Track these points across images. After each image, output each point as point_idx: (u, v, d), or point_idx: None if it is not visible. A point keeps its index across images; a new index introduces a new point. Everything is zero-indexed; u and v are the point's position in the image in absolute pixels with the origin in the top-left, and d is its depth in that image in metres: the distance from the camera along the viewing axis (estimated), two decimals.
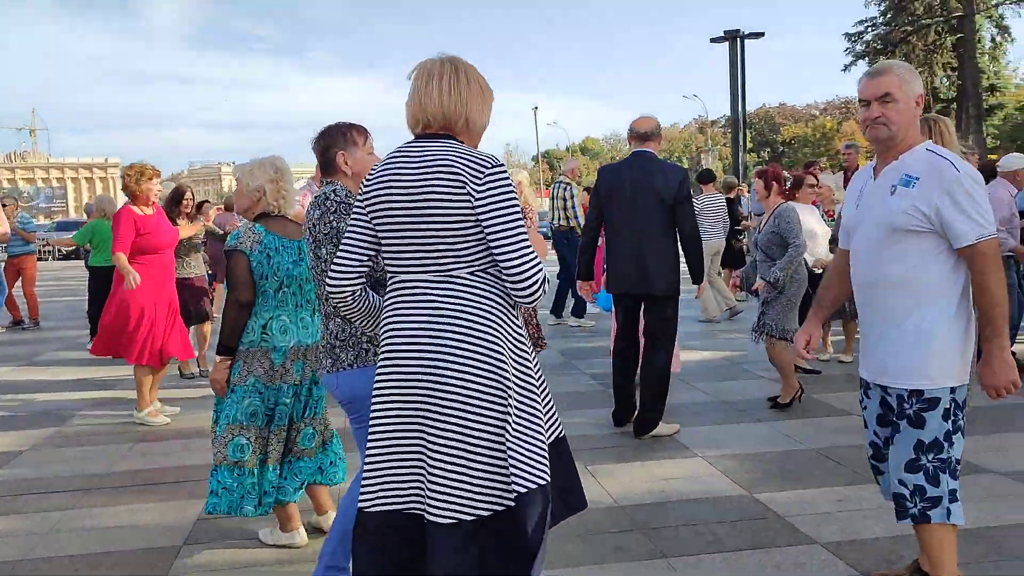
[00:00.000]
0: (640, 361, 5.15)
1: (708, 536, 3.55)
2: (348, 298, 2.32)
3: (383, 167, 2.24)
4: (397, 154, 2.25)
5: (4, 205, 10.49)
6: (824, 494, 4.00)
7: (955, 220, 2.55)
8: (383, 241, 2.25)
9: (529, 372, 2.24)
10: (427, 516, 2.13)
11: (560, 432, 2.44)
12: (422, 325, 2.16)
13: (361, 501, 2.22)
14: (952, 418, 2.65)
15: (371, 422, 2.22)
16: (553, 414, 2.41)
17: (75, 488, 4.42)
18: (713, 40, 25.64)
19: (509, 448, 2.13)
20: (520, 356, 2.23)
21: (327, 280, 2.32)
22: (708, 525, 3.67)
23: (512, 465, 2.12)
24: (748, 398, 6.04)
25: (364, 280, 2.33)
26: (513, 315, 2.24)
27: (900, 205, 2.63)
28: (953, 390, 2.64)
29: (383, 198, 2.21)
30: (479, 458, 2.13)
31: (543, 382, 2.34)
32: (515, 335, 2.23)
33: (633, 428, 5.11)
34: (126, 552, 3.58)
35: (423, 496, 2.15)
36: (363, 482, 2.23)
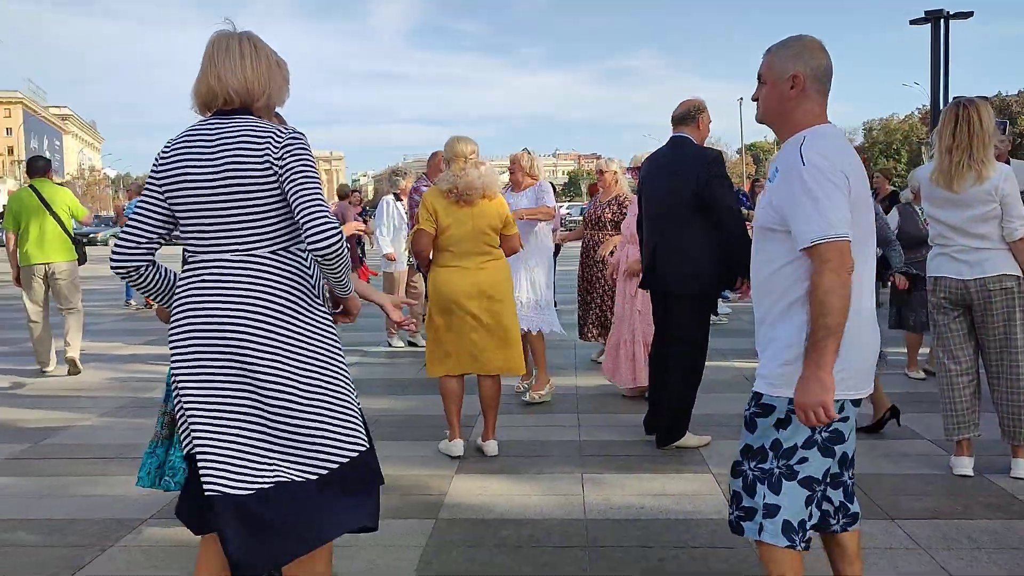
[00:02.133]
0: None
1: (654, 558, 3.31)
2: (132, 273, 2.32)
3: (177, 143, 2.25)
4: (192, 132, 2.25)
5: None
6: None
7: (793, 219, 2.23)
8: (181, 220, 2.26)
9: (332, 350, 2.28)
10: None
11: None
12: (222, 305, 2.17)
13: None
14: (788, 430, 2.34)
15: (181, 404, 2.24)
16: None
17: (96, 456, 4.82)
18: (913, 22, 23.63)
19: (321, 421, 2.22)
20: (323, 335, 2.25)
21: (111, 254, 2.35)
22: (659, 549, 3.42)
23: (328, 436, 2.23)
24: None
25: (150, 255, 2.32)
26: (314, 295, 2.25)
27: (762, 201, 2.35)
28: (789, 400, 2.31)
29: (179, 176, 2.21)
30: (300, 428, 2.20)
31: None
32: (317, 315, 2.25)
33: (655, 437, 4.85)
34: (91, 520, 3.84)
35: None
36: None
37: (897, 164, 61.33)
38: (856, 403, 2.43)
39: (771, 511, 2.38)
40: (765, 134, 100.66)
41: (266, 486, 2.18)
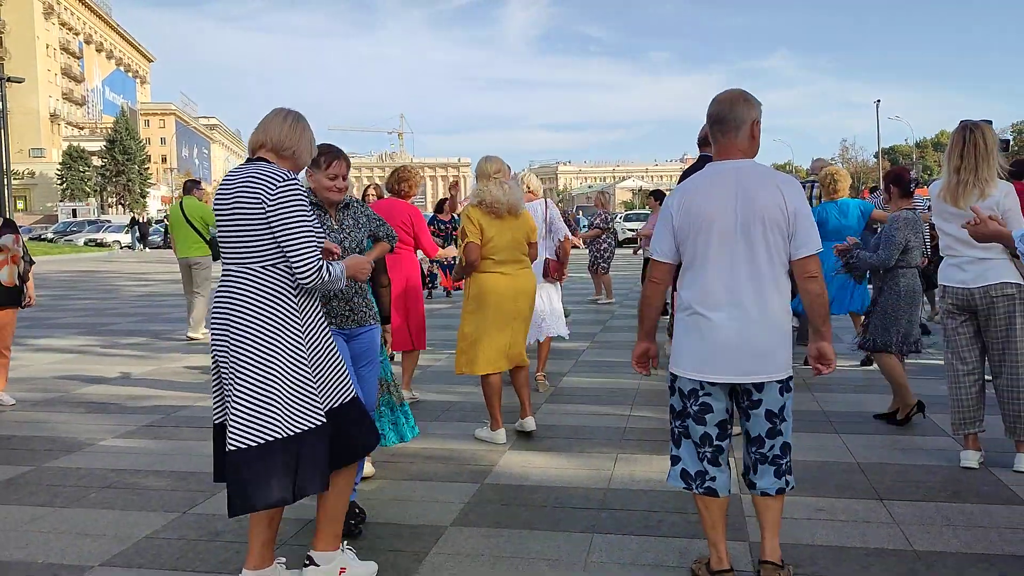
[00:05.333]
0: None
1: (654, 520, 3.89)
2: None
3: (220, 185, 3.08)
4: (230, 172, 3.07)
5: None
6: (808, 503, 4.09)
7: None
8: (219, 238, 3.07)
9: (300, 348, 2.94)
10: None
11: (336, 403, 3.06)
12: (224, 299, 2.98)
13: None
14: (673, 399, 3.18)
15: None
16: (334, 384, 3.07)
17: None
18: None
19: (277, 394, 2.87)
20: (293, 334, 2.93)
21: None
22: (662, 513, 4.00)
23: (278, 410, 2.87)
24: (838, 410, 5.94)
25: None
26: (291, 300, 2.95)
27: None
28: (673, 377, 3.16)
29: (215, 209, 3.04)
30: (245, 400, 2.88)
31: (323, 357, 3.03)
32: (291, 316, 2.94)
33: None
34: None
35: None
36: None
37: None
38: (712, 384, 3.05)
39: (674, 461, 3.21)
40: (905, 137, 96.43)
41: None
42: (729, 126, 3.07)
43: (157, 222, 51.19)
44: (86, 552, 3.63)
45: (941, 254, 4.72)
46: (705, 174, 3.13)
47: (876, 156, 77.44)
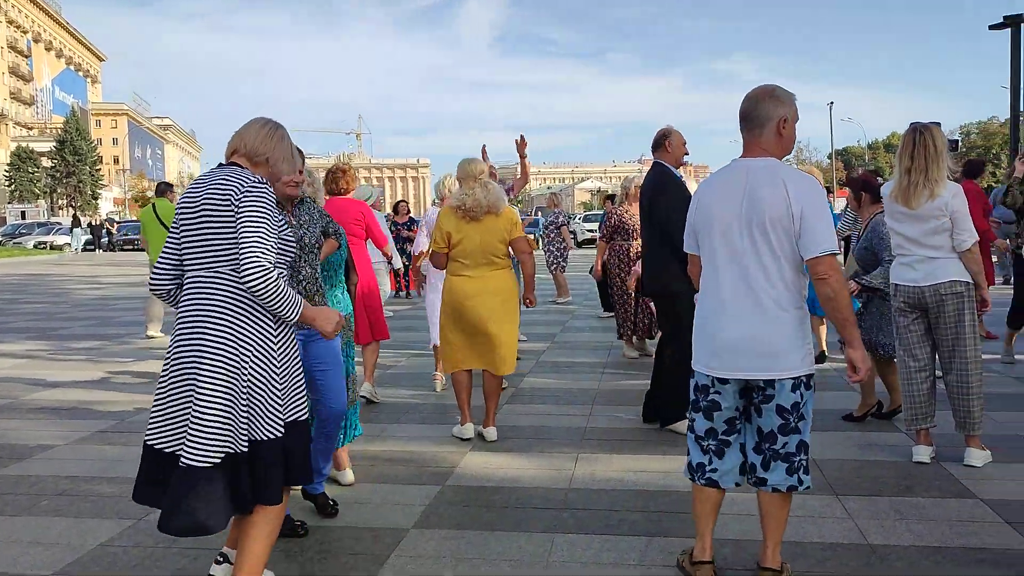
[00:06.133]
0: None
1: (615, 520, 3.91)
2: (164, 296, 3.03)
3: (188, 188, 2.97)
4: (198, 177, 2.99)
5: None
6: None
7: None
8: (181, 241, 2.91)
9: (269, 355, 2.83)
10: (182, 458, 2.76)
11: (301, 416, 2.96)
12: (192, 306, 2.83)
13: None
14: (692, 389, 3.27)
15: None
16: (297, 398, 2.96)
17: None
18: (992, 27, 23.20)
19: (242, 406, 2.77)
20: (262, 341, 2.81)
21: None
22: (623, 512, 4.02)
23: (247, 420, 2.78)
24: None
25: (177, 277, 2.98)
26: (260, 309, 2.82)
27: None
28: (692, 371, 3.24)
29: (178, 208, 2.93)
30: (215, 410, 2.74)
31: (290, 368, 2.94)
32: (263, 324, 2.83)
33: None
34: None
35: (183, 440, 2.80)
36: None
37: (996, 169, 59.31)
38: (723, 381, 3.09)
39: (688, 452, 3.30)
40: (858, 139, 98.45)
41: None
42: (753, 123, 3.08)
43: (118, 223, 50.22)
44: (39, 561, 3.55)
45: (893, 253, 4.82)
46: (722, 171, 3.19)
47: (829, 157, 78.71)
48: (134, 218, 67.12)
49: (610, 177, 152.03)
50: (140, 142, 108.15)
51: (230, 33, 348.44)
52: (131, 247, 43.91)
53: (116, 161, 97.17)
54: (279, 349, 2.89)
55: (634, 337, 8.43)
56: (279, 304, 2.78)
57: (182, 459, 2.75)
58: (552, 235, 14.35)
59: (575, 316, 12.09)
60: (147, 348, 9.66)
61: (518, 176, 7.24)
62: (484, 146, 6.99)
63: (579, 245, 33.91)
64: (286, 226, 3.02)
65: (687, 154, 5.57)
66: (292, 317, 2.84)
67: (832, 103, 59.16)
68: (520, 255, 5.33)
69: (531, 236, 7.03)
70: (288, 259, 2.98)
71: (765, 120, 3.05)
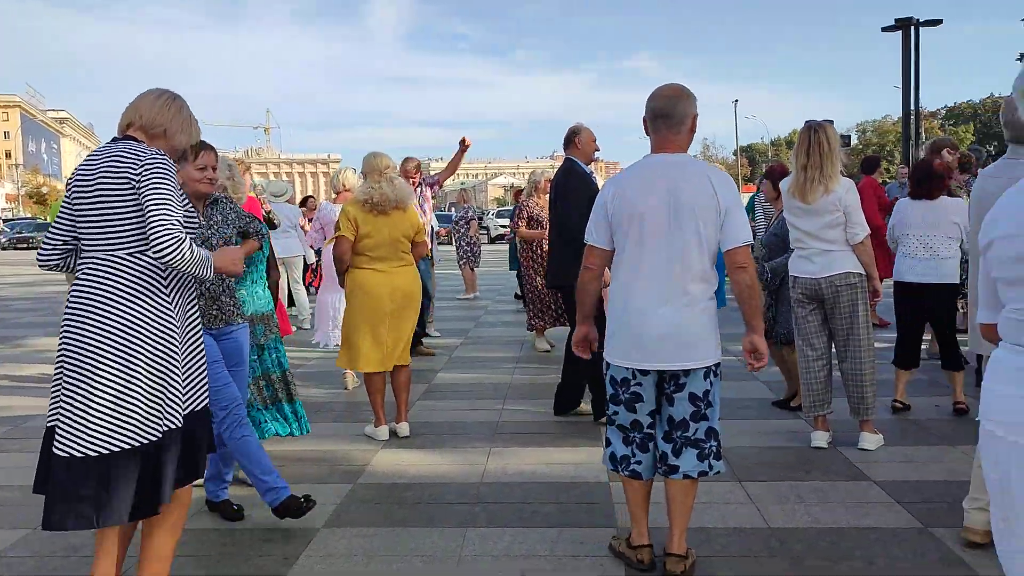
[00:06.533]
0: None
1: (528, 512, 3.96)
2: (54, 269, 2.86)
3: (83, 159, 2.81)
4: (93, 152, 2.81)
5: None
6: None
7: None
8: (77, 222, 2.75)
9: (169, 343, 2.70)
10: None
11: (199, 405, 2.89)
12: (84, 289, 2.68)
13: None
14: (608, 383, 3.31)
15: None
16: (197, 387, 2.88)
17: None
18: (884, 29, 24.25)
19: (132, 399, 2.63)
20: (162, 329, 2.69)
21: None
22: (536, 504, 4.07)
23: (131, 415, 2.63)
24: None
25: (67, 253, 2.82)
26: (162, 293, 2.70)
27: None
28: (607, 364, 3.28)
29: (71, 186, 2.76)
30: (99, 404, 2.61)
31: (192, 357, 2.86)
32: (161, 310, 2.69)
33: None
34: None
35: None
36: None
37: (890, 165, 62.06)
38: (643, 373, 3.15)
39: (607, 443, 3.37)
40: (762, 136, 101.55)
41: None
42: (673, 121, 3.16)
43: (6, 221, 47.77)
44: None
45: (792, 247, 5.00)
46: (640, 166, 3.23)
47: (735, 154, 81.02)
48: (29, 215, 63.91)
49: (523, 173, 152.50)
50: (34, 136, 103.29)
51: (130, 25, 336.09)
52: (25, 246, 41.97)
53: (8, 156, 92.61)
54: (181, 334, 2.80)
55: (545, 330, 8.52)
56: (193, 268, 2.68)
57: (56, 449, 2.63)
58: (462, 230, 14.30)
59: (488, 311, 12.13)
60: (45, 350, 9.25)
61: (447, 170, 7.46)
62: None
63: (492, 240, 34.01)
64: (193, 213, 2.93)
65: (597, 150, 5.67)
66: (208, 274, 2.76)
67: (737, 101, 60.82)
68: (414, 250, 5.36)
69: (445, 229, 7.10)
70: (193, 233, 2.88)
71: (683, 118, 3.16)
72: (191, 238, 2.74)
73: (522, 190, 8.82)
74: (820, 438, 4.88)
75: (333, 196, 7.54)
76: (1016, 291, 1.84)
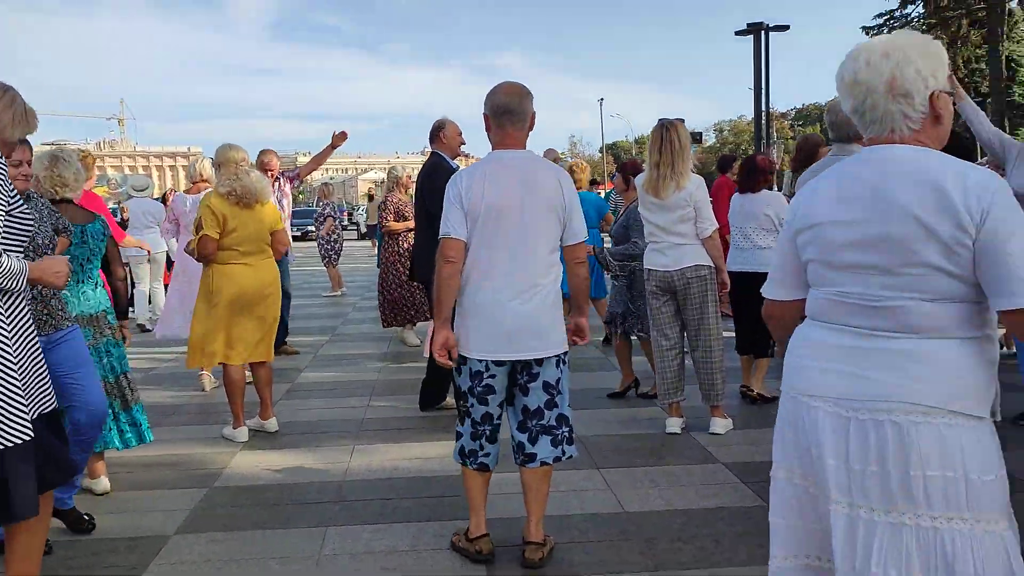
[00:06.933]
0: None
1: (389, 508, 3.94)
2: None
3: None
4: None
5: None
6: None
7: None
8: None
9: (7, 353, 2.59)
10: None
11: (47, 408, 2.78)
12: None
13: None
14: (459, 380, 3.32)
15: None
16: (41, 392, 2.76)
17: None
18: (738, 33, 25.41)
19: None
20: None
21: None
22: (398, 500, 4.06)
23: None
24: (576, 387, 6.35)
25: None
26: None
27: None
28: (462, 359, 3.27)
29: None
30: None
31: (29, 364, 2.72)
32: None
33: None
34: None
35: None
36: None
37: None
38: (498, 364, 3.20)
39: (457, 438, 3.38)
40: (626, 134, 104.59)
41: None
42: (518, 118, 3.22)
43: None
44: None
45: (646, 240, 5.17)
46: (493, 161, 3.25)
47: (601, 151, 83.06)
48: None
49: (394, 168, 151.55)
50: None
51: None
52: None
53: None
54: (13, 339, 2.64)
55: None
56: (3, 281, 2.56)
57: None
58: (321, 227, 13.81)
59: (356, 308, 11.97)
60: None
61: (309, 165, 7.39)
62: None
63: (362, 236, 33.57)
64: (22, 203, 2.75)
65: (463, 144, 5.68)
66: (20, 286, 2.63)
67: (602, 99, 62.61)
68: (276, 245, 5.24)
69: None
70: (19, 239, 2.71)
71: (526, 115, 3.24)
72: (3, 248, 2.60)
73: (374, 194, 8.74)
74: (674, 424, 5.09)
75: (188, 186, 7.24)
76: (843, 275, 1.92)
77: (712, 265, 4.97)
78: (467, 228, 3.17)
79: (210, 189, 5.24)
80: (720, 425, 5.03)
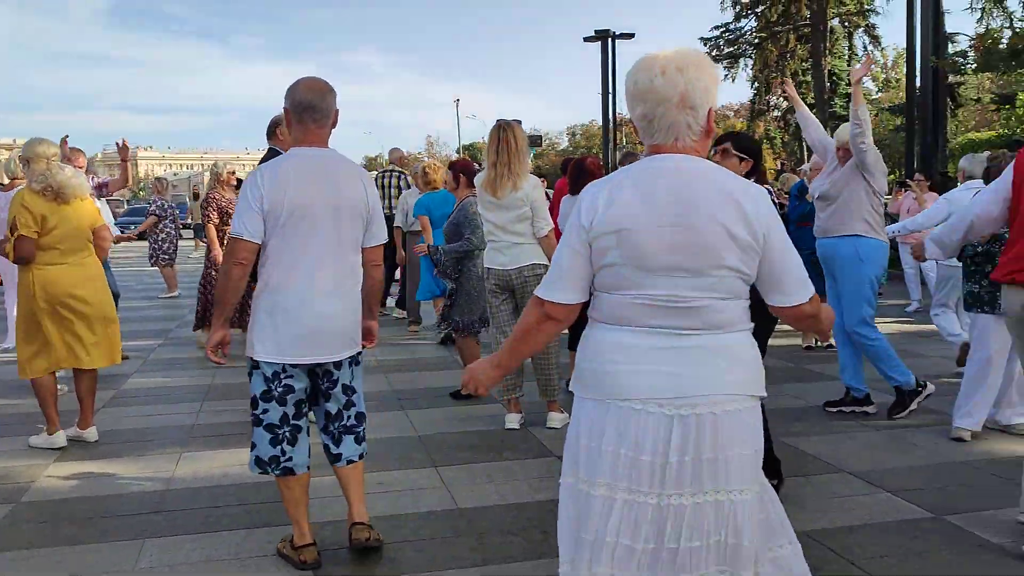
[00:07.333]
0: None
1: (214, 516, 3.78)
2: None
3: None
4: None
5: None
6: (371, 478, 4.25)
7: None
8: None
9: None
10: None
11: None
12: None
13: None
14: (251, 384, 3.22)
15: None
16: None
17: None
18: (586, 39, 26.11)
19: None
20: None
21: None
22: (224, 508, 3.91)
23: None
24: (407, 388, 6.37)
25: None
26: None
27: None
28: (254, 363, 3.19)
29: None
30: None
31: None
32: None
33: None
34: None
35: None
36: None
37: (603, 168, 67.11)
38: (295, 365, 3.14)
39: (252, 447, 3.26)
40: (482, 136, 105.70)
41: None
42: (321, 115, 3.14)
43: None
44: None
45: (486, 239, 5.21)
46: (295, 159, 3.15)
47: (458, 151, 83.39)
48: None
49: (244, 164, 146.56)
50: None
51: None
52: None
53: None
54: None
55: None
56: None
57: None
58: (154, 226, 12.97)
59: (192, 310, 11.44)
60: None
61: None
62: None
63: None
64: None
65: None
66: None
67: (458, 100, 62.54)
68: (100, 242, 4.94)
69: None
70: None
71: (328, 112, 3.18)
72: None
73: (198, 192, 8.35)
74: (513, 420, 5.15)
75: (7, 183, 6.70)
76: (653, 278, 1.97)
77: (548, 264, 5.05)
78: (264, 228, 3.06)
79: (21, 187, 4.85)
80: (557, 420, 5.14)
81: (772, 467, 3.79)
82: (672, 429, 1.95)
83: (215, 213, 7.63)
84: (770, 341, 3.95)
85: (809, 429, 5.10)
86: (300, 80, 3.18)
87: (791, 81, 5.90)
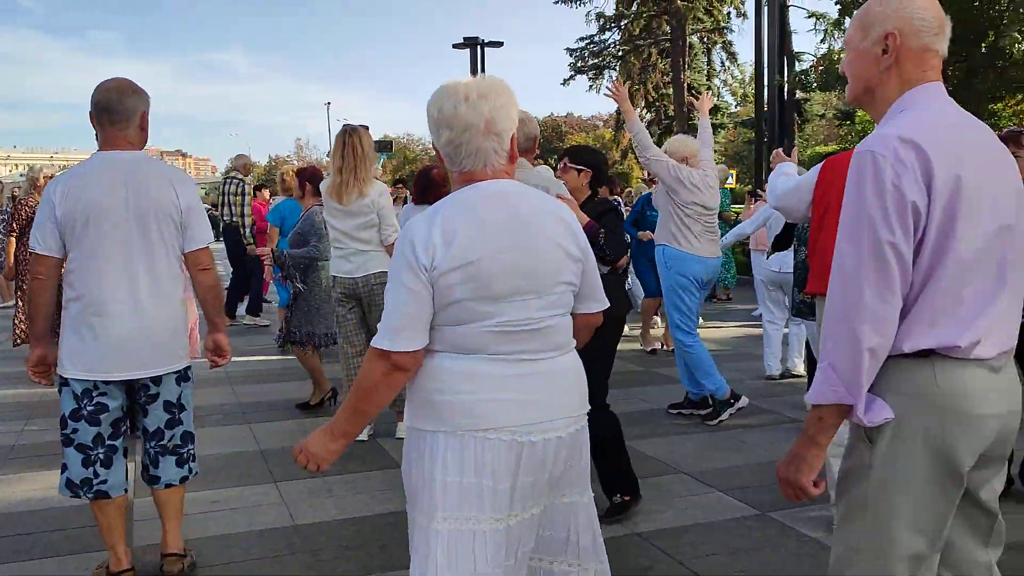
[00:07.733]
0: None
1: (27, 543, 3.53)
2: None
3: None
4: None
5: None
6: (206, 497, 4.08)
7: None
8: None
9: None
10: None
11: None
12: None
13: None
14: (63, 401, 3.03)
15: None
16: None
17: None
18: (455, 46, 26.14)
19: None
20: None
21: None
22: (36, 535, 3.65)
23: None
24: (254, 400, 6.16)
25: None
26: None
27: None
28: (63, 380, 3.00)
29: None
30: None
31: None
32: None
33: None
34: None
35: None
36: None
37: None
38: (108, 383, 2.97)
39: (63, 469, 3.05)
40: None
41: None
42: (119, 117, 2.98)
43: None
44: None
45: (333, 247, 5.10)
46: (94, 164, 2.99)
47: (328, 155, 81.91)
48: None
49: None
50: None
51: None
52: None
53: None
54: None
55: None
56: None
57: None
58: None
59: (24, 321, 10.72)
60: None
61: None
62: None
63: None
64: None
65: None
66: None
67: (329, 103, 61.54)
68: None
69: None
70: None
71: (132, 114, 3.02)
72: None
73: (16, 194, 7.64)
74: (361, 431, 5.05)
75: None
76: (503, 305, 1.93)
77: None
78: (61, 240, 2.92)
79: None
80: (405, 430, 5.07)
81: (629, 484, 3.85)
82: (521, 455, 1.96)
83: (17, 224, 7.07)
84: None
85: (651, 431, 5.25)
86: (102, 82, 3.02)
87: (621, 80, 6.09)
